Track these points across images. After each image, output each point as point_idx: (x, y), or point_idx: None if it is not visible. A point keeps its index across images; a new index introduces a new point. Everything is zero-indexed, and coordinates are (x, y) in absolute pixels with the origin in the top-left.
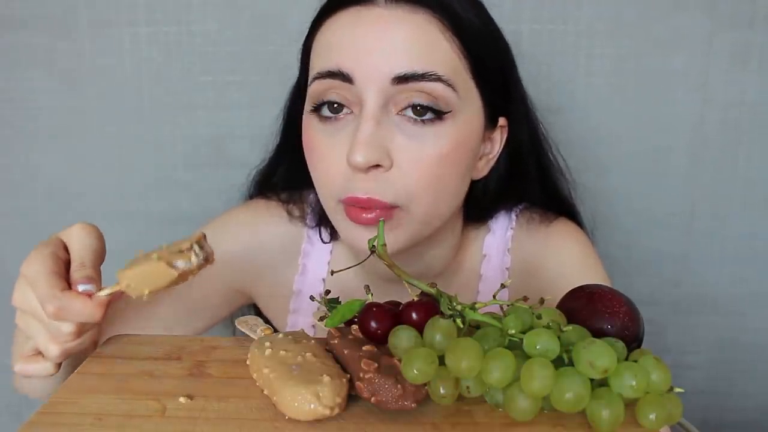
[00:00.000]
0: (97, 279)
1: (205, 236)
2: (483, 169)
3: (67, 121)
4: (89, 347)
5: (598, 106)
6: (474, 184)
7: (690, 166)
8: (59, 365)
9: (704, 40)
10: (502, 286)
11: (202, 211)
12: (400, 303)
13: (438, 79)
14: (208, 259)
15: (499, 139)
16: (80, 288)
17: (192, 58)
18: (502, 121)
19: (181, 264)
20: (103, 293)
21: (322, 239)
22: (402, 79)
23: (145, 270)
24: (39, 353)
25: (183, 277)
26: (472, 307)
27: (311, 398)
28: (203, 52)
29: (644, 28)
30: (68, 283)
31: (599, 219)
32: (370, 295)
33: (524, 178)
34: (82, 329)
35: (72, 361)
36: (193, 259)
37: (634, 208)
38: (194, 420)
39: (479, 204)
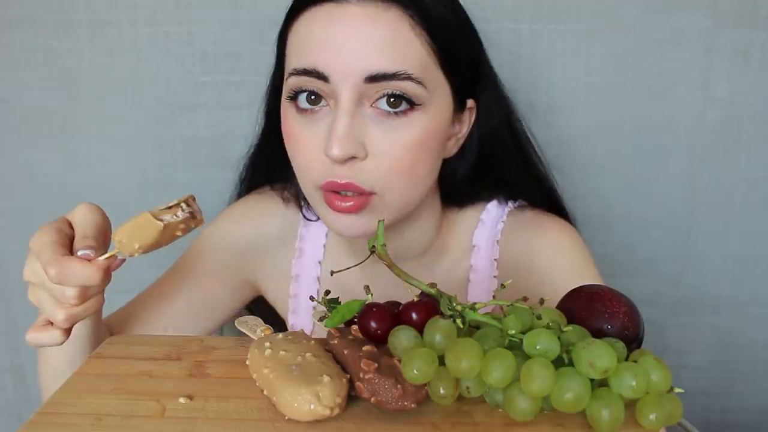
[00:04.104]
0: (97, 247)
1: (194, 198)
2: (452, 148)
3: (67, 121)
4: (94, 316)
5: (599, 105)
6: (446, 163)
7: (690, 166)
8: (67, 333)
9: (705, 39)
10: (503, 286)
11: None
12: (400, 303)
13: (408, 77)
14: (194, 216)
15: (467, 119)
16: (80, 253)
17: (192, 58)
18: (470, 103)
19: (166, 217)
20: (102, 257)
21: (307, 218)
22: (374, 78)
23: (133, 224)
24: (48, 323)
25: (169, 231)
26: (472, 308)
27: (311, 398)
28: (203, 52)
29: (644, 27)
30: (72, 254)
31: (599, 219)
32: (370, 296)
33: (497, 155)
34: (84, 293)
35: (82, 341)
36: (179, 213)
37: (634, 207)
38: (194, 420)
39: (452, 184)
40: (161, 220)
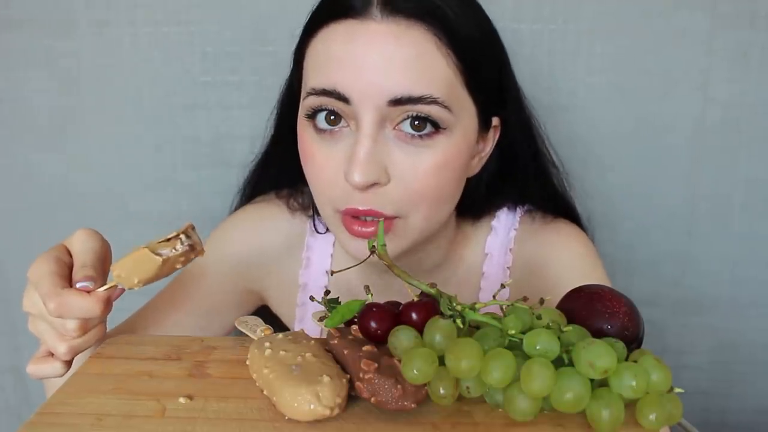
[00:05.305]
0: (97, 277)
1: (193, 227)
2: (476, 167)
3: (67, 121)
4: (95, 345)
5: (599, 106)
6: (466, 179)
7: (690, 167)
8: (69, 364)
9: (705, 39)
10: (502, 286)
11: (201, 211)
12: (400, 303)
13: (434, 101)
14: (194, 248)
15: (492, 137)
16: (79, 285)
17: (192, 58)
18: (495, 121)
19: (165, 252)
20: (102, 289)
21: (317, 230)
22: (398, 102)
23: (132, 258)
24: (50, 354)
25: (168, 264)
26: (472, 308)
27: (311, 398)
28: (203, 52)
29: (645, 27)
30: (71, 284)
31: (599, 219)
32: (370, 296)
33: (517, 172)
34: (85, 326)
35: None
36: (178, 246)
37: (634, 208)
38: (194, 420)
39: (471, 199)
40: (159, 255)
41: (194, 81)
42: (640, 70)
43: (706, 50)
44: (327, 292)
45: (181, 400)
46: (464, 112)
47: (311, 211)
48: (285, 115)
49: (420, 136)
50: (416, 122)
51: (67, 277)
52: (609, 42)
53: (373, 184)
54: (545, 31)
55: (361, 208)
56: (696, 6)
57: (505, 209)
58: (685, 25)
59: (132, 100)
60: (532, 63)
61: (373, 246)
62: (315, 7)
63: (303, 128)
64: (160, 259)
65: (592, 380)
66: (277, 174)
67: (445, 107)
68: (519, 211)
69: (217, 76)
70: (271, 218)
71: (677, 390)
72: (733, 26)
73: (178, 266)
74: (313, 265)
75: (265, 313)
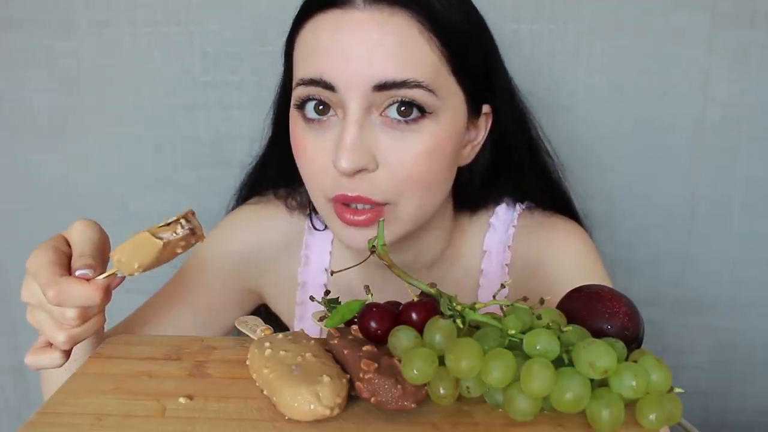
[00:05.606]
0: (96, 266)
1: (193, 212)
2: (468, 155)
3: (67, 121)
4: (94, 337)
5: (599, 106)
6: (460, 170)
7: (690, 167)
8: (67, 354)
9: (704, 39)
10: (502, 286)
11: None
12: (400, 303)
13: (418, 85)
14: (194, 233)
15: (483, 125)
16: (78, 273)
17: (192, 58)
18: (486, 108)
19: (166, 235)
20: (101, 277)
21: (315, 227)
22: (383, 87)
23: (132, 242)
24: (48, 345)
25: (169, 249)
26: (472, 308)
27: (311, 398)
28: (203, 52)
29: (644, 27)
30: (70, 273)
31: (599, 219)
32: (370, 296)
33: (512, 163)
34: (85, 314)
35: (82, 356)
36: (179, 230)
37: (634, 207)
38: (194, 420)
39: (466, 190)
40: (160, 239)
41: (194, 81)
42: (639, 70)
43: (705, 50)
44: (327, 292)
45: (181, 400)
46: (451, 97)
47: (309, 209)
48: (281, 115)
49: (406, 121)
50: (402, 107)
51: (66, 266)
52: (609, 42)
53: (361, 170)
54: (545, 31)
55: (350, 195)
56: (696, 5)
57: (503, 206)
58: (685, 24)
59: (132, 100)
60: (532, 63)
61: (374, 246)
62: (301, 3)
63: (294, 120)
64: (160, 242)
65: (592, 380)
66: (275, 175)
67: (430, 91)
68: (518, 208)
69: (217, 76)
70: (269, 217)
71: (677, 390)
72: (733, 25)
73: (178, 251)
74: (312, 263)
75: (264, 312)
